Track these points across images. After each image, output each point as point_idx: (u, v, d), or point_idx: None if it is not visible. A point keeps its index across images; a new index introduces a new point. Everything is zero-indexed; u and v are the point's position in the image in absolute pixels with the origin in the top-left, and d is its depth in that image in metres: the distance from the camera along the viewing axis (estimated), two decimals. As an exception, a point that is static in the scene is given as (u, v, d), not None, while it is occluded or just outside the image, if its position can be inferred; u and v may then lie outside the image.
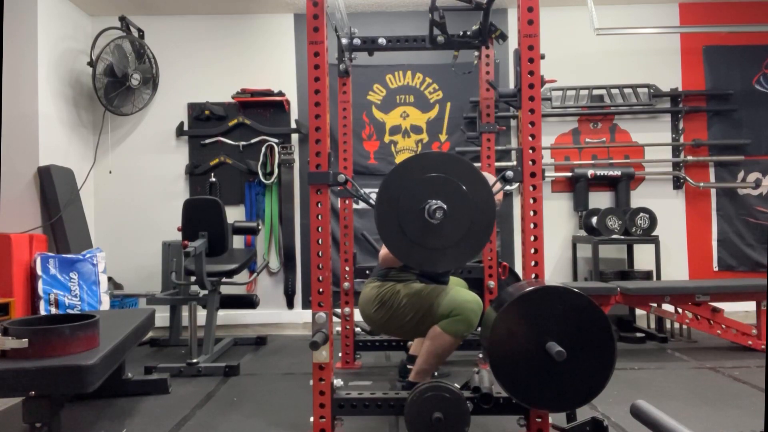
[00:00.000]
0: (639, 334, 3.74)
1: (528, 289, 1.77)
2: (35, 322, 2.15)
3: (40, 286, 3.46)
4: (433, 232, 1.86)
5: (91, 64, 4.30)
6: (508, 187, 3.17)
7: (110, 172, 4.76)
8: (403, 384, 2.54)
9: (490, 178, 2.70)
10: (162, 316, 4.07)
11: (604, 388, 1.74)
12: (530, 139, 1.97)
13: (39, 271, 3.48)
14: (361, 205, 4.65)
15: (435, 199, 1.83)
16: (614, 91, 4.81)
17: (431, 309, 2.36)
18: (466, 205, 1.86)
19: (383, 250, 2.54)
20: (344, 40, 3.01)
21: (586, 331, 1.73)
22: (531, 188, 1.96)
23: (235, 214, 4.67)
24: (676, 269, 4.76)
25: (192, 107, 4.79)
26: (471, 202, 1.86)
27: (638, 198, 4.76)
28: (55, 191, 3.96)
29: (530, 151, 1.97)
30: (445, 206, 1.81)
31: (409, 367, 2.64)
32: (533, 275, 1.96)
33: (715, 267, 4.82)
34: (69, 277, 3.56)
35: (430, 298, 2.38)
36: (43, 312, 3.43)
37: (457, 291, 2.39)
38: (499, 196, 2.65)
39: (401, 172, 1.90)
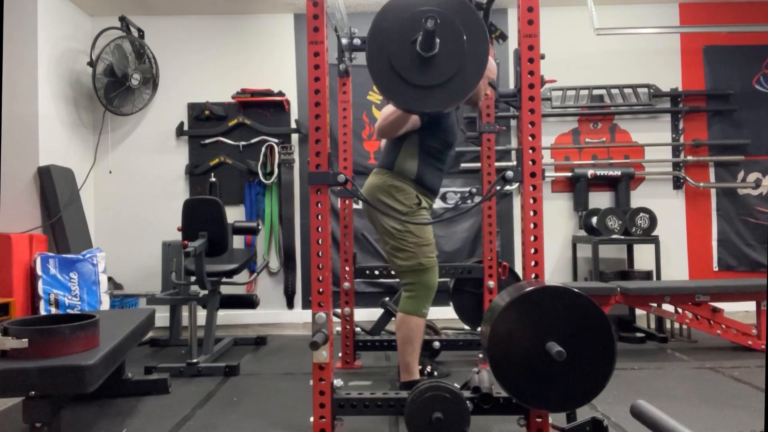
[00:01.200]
0: (639, 334, 3.73)
1: (528, 289, 1.76)
2: (35, 322, 2.15)
3: (40, 286, 3.46)
4: (423, 68, 1.80)
5: (91, 64, 4.30)
6: (508, 187, 3.17)
7: (110, 172, 4.77)
8: (399, 385, 2.55)
9: (490, 60, 2.68)
10: (162, 316, 4.06)
11: (604, 388, 1.74)
12: (530, 139, 1.97)
13: (39, 271, 3.48)
14: (361, 205, 4.65)
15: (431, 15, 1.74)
16: (614, 91, 4.81)
17: (405, 252, 2.43)
18: (459, 43, 1.81)
19: (379, 120, 2.47)
20: (344, 40, 3.01)
21: (586, 331, 1.73)
22: (531, 188, 1.96)
23: (235, 214, 4.67)
24: (676, 269, 4.76)
25: (192, 107, 4.79)
26: (464, 41, 1.81)
27: (638, 198, 4.76)
28: (55, 191, 3.96)
29: (530, 151, 1.97)
30: (438, 18, 1.71)
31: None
32: (533, 275, 1.96)
33: (715, 267, 4.82)
34: (69, 277, 3.56)
35: (413, 246, 2.42)
36: (43, 312, 3.43)
37: (431, 263, 2.44)
38: (492, 67, 2.63)
39: (396, 6, 1.83)
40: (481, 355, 3.17)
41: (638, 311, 3.95)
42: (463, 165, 4.75)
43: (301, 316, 4.76)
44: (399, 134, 2.48)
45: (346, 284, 3.21)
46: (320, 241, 2.00)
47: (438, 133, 2.51)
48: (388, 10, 1.84)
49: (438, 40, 1.78)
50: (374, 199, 2.50)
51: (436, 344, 3.21)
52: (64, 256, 3.64)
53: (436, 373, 2.87)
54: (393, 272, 2.58)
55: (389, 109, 2.40)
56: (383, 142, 2.69)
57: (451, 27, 1.78)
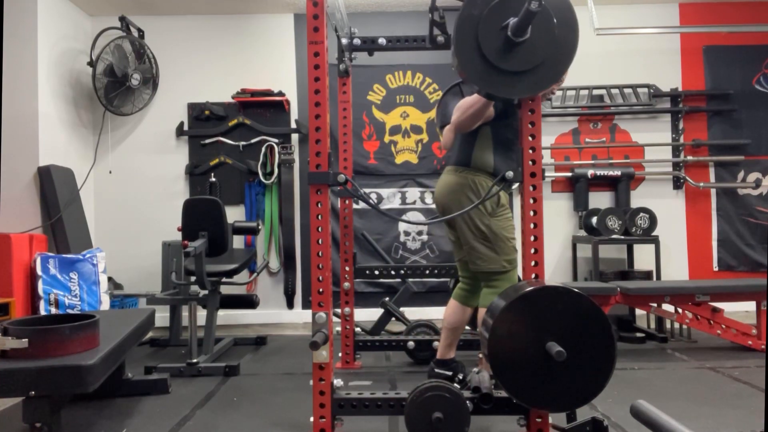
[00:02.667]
0: (639, 334, 3.73)
1: (528, 289, 1.76)
2: (35, 322, 2.15)
3: (40, 286, 3.46)
4: (512, 54, 1.80)
5: (91, 64, 4.29)
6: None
7: (110, 172, 4.77)
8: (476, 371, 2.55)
9: None
10: (162, 316, 4.06)
11: (604, 388, 1.74)
12: (530, 139, 1.97)
13: (39, 271, 3.48)
14: (361, 205, 4.65)
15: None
16: (614, 91, 4.81)
17: (489, 252, 2.43)
18: (551, 29, 1.81)
19: (456, 114, 2.42)
20: (344, 40, 3.01)
21: (586, 331, 1.73)
22: (531, 188, 1.96)
23: (235, 214, 4.67)
24: (676, 269, 4.76)
25: (192, 107, 4.79)
26: (555, 27, 1.82)
27: (638, 198, 4.76)
28: (55, 191, 3.96)
29: (530, 151, 1.97)
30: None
31: (437, 371, 2.63)
32: (533, 275, 1.97)
33: (715, 267, 4.82)
34: (69, 277, 3.56)
35: (499, 244, 2.43)
36: (43, 312, 3.43)
37: (515, 260, 2.44)
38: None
39: None
40: (481, 355, 3.16)
41: (638, 311, 3.95)
42: (463, 165, 4.74)
43: (301, 316, 4.76)
44: (474, 127, 2.45)
45: (346, 284, 3.21)
46: (320, 241, 1.99)
47: (510, 122, 2.49)
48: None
49: (530, 26, 1.78)
50: (457, 199, 2.47)
51: (436, 344, 3.21)
52: (64, 256, 3.64)
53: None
54: (474, 270, 2.55)
55: (467, 102, 2.35)
56: (447, 139, 2.68)
57: (543, 13, 1.78)
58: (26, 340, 1.95)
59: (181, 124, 4.77)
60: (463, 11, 1.82)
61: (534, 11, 1.67)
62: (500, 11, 1.80)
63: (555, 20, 1.82)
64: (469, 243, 2.48)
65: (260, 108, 4.76)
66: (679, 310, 3.46)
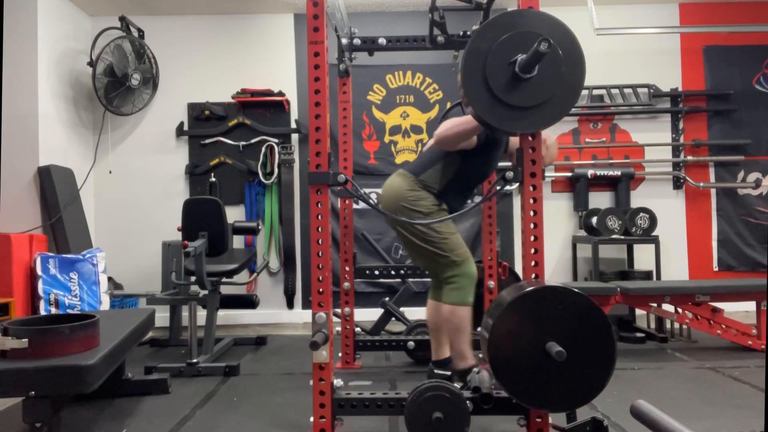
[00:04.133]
0: (639, 334, 3.73)
1: (528, 289, 1.76)
2: (35, 322, 2.15)
3: (40, 286, 3.46)
4: (519, 89, 1.83)
5: (91, 64, 4.30)
6: (508, 188, 3.17)
7: (110, 172, 4.77)
8: (456, 373, 2.55)
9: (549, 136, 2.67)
10: (162, 316, 4.06)
11: (604, 387, 1.74)
12: (530, 139, 1.97)
13: (39, 271, 3.48)
14: (361, 205, 4.65)
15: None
16: (614, 91, 4.81)
17: (436, 252, 2.48)
18: (558, 66, 1.83)
19: (442, 128, 2.42)
20: (344, 40, 3.01)
21: (586, 331, 1.73)
22: (531, 188, 1.96)
23: (235, 214, 4.67)
24: (676, 269, 4.76)
25: (192, 107, 4.79)
26: (562, 65, 1.83)
27: (638, 198, 4.76)
28: (55, 191, 3.96)
29: (530, 151, 1.97)
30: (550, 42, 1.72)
31: (436, 372, 2.65)
32: (533, 275, 1.96)
33: (715, 267, 4.82)
34: (69, 277, 3.56)
35: (442, 243, 2.47)
36: (43, 312, 3.43)
37: (466, 254, 2.49)
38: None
39: (495, 27, 1.85)
40: (481, 355, 3.17)
41: (638, 311, 3.95)
42: (463, 165, 4.75)
43: (301, 316, 4.76)
44: (453, 149, 2.47)
45: (346, 284, 3.21)
46: (320, 241, 2.00)
47: (481, 162, 2.55)
48: (487, 31, 1.85)
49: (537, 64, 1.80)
50: (393, 204, 2.53)
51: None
52: (64, 256, 3.64)
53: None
54: (427, 273, 2.61)
55: (458, 119, 2.37)
56: (425, 148, 2.70)
57: (552, 51, 1.79)
58: (26, 340, 1.95)
59: (181, 124, 4.77)
60: (472, 44, 1.84)
61: (543, 52, 1.70)
62: (508, 46, 1.82)
63: (562, 57, 1.83)
64: (416, 248, 2.53)
65: (260, 108, 4.76)
66: (679, 310, 3.46)
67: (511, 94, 1.83)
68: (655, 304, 3.44)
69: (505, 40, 1.82)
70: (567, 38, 1.86)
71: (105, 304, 3.70)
